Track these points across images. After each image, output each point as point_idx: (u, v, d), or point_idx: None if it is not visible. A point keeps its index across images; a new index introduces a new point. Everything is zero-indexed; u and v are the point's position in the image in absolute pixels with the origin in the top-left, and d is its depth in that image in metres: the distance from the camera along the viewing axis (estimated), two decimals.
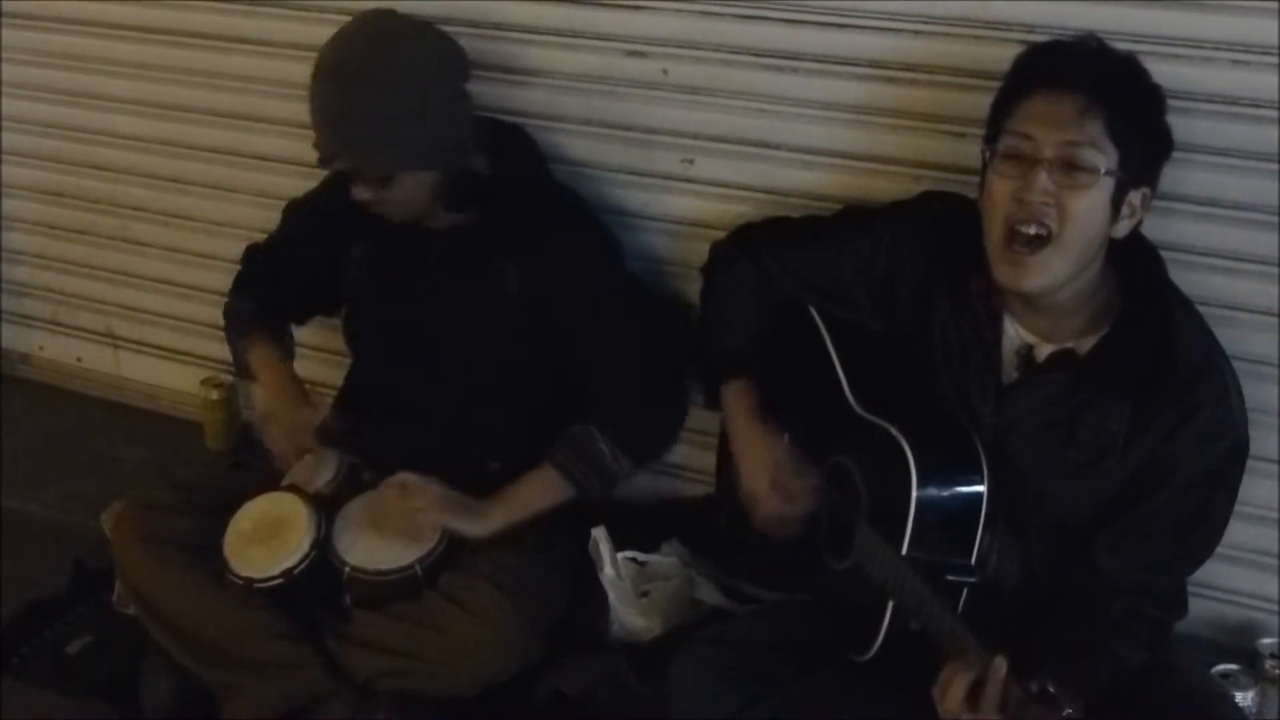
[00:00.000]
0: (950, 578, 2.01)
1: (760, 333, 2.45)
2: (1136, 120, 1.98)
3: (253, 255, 2.84)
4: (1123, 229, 2.01)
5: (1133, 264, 2.07)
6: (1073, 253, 1.97)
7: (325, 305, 2.83)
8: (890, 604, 2.07)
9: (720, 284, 2.49)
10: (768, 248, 2.43)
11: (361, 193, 2.46)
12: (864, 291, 2.31)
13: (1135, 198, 2.00)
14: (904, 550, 2.05)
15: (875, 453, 2.16)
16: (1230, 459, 2.07)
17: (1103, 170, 1.94)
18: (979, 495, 2.08)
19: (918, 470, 2.06)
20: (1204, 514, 2.08)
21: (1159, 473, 2.03)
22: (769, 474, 2.32)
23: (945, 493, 2.09)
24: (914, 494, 2.06)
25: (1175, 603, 2.14)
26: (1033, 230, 1.95)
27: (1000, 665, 1.82)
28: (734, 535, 2.55)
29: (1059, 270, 1.98)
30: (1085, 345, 2.07)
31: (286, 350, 2.77)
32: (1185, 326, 2.06)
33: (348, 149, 2.42)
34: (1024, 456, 2.11)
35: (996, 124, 2.04)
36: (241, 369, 2.76)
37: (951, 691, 1.87)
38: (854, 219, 2.39)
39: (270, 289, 2.77)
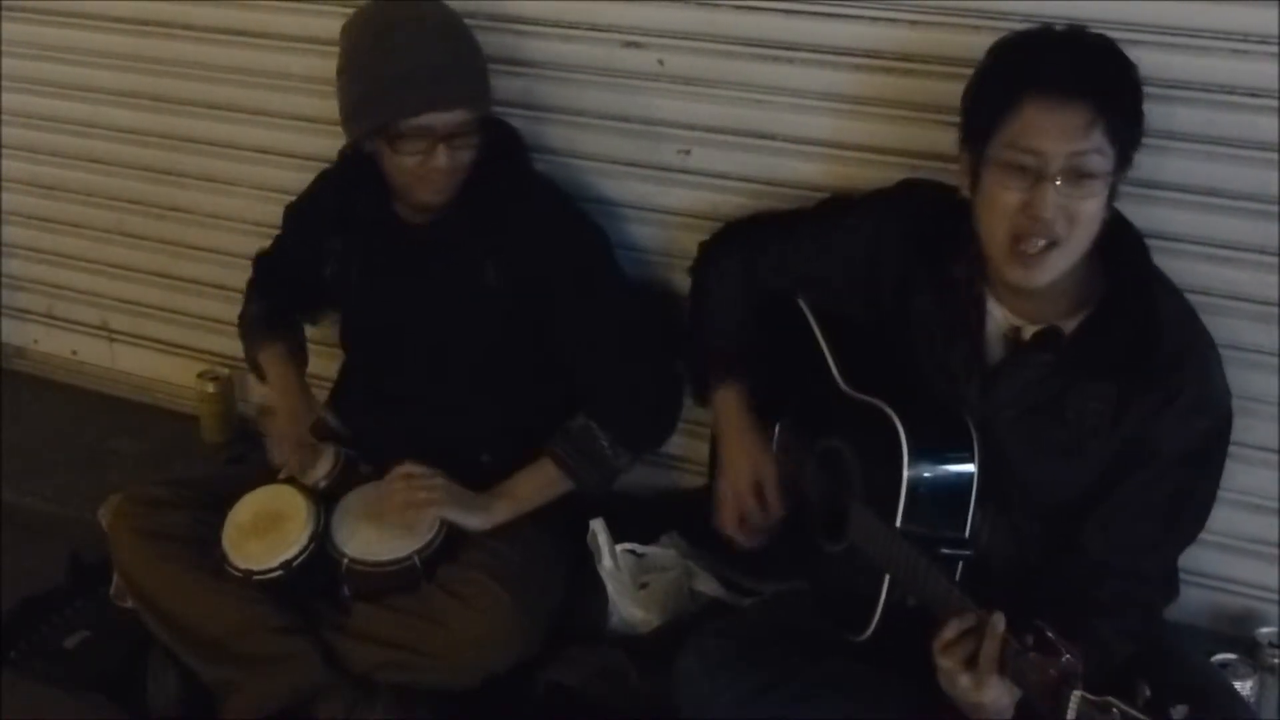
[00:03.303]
0: (945, 551, 2.03)
1: (749, 327, 2.48)
2: (1132, 119, 2.00)
3: (260, 260, 2.87)
4: (1108, 212, 2.02)
5: (1115, 245, 2.08)
6: (1078, 250, 1.99)
7: (327, 301, 2.83)
8: (886, 580, 2.09)
9: (708, 282, 2.51)
10: (752, 244, 2.46)
11: (440, 158, 2.42)
12: (846, 281, 2.33)
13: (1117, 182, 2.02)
14: (898, 523, 2.07)
15: (866, 431, 2.18)
16: (1214, 437, 2.08)
17: (1108, 173, 1.96)
18: (970, 469, 2.09)
19: (909, 444, 2.07)
20: (1189, 493, 2.08)
21: (1144, 452, 2.04)
22: (750, 489, 2.37)
23: (937, 467, 2.10)
24: (905, 468, 2.07)
25: (1164, 585, 2.14)
26: (1042, 244, 1.96)
27: (999, 621, 1.83)
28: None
29: (1065, 266, 2.00)
30: (1069, 326, 2.09)
31: (296, 352, 2.78)
32: (1167, 307, 2.07)
33: (463, 99, 2.43)
34: (1010, 439, 2.12)
35: (986, 124, 2.00)
36: (256, 371, 2.80)
37: (950, 648, 1.88)
38: (834, 210, 2.41)
39: (277, 290, 2.80)
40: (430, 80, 2.39)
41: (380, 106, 2.41)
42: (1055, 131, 1.93)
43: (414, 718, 2.45)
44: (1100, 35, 2.03)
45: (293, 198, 2.82)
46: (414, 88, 2.39)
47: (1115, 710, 1.65)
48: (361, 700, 2.44)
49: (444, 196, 2.49)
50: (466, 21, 2.55)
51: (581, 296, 2.56)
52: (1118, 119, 1.95)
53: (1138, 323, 2.04)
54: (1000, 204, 1.98)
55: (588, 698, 2.47)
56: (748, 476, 2.39)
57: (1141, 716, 1.63)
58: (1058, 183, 1.93)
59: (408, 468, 2.50)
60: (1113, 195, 2.00)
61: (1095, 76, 1.96)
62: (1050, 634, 1.77)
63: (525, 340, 2.59)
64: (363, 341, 2.76)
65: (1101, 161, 1.94)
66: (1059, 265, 1.99)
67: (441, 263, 2.57)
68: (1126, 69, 2.00)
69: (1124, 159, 1.99)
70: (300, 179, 2.81)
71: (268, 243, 2.88)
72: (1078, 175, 1.93)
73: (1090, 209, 1.96)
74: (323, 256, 2.68)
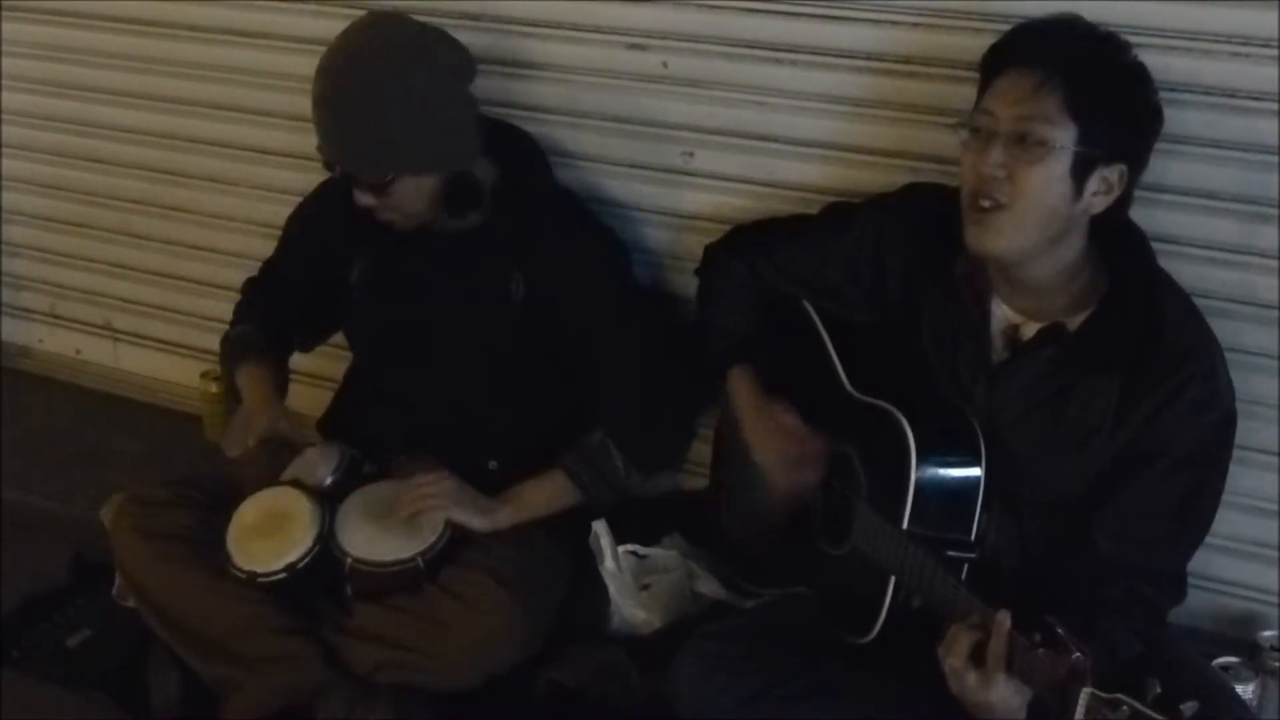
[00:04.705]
0: (951, 554, 2.03)
1: (756, 329, 2.49)
2: (1101, 95, 1.98)
3: (251, 282, 2.83)
4: (1097, 204, 2.02)
5: (1117, 245, 2.10)
6: (1029, 223, 2.00)
7: (329, 320, 2.79)
8: (891, 582, 2.09)
9: (715, 285, 2.53)
10: (758, 248, 2.47)
11: (362, 198, 2.45)
12: (852, 285, 2.35)
13: (1111, 174, 2.01)
14: (904, 526, 2.07)
15: (874, 435, 2.18)
16: (1219, 433, 2.09)
17: (1056, 144, 1.96)
18: (976, 471, 2.10)
19: (916, 446, 2.08)
20: (1197, 490, 2.09)
21: (1150, 449, 2.05)
22: (781, 443, 2.35)
23: (944, 469, 2.11)
24: (913, 470, 2.08)
25: (1173, 587, 2.14)
26: (987, 204, 1.99)
27: (1004, 619, 1.83)
28: (728, 533, 2.60)
29: (1017, 237, 2.01)
30: (1073, 324, 2.10)
31: (277, 376, 2.71)
32: (1171, 304, 2.08)
33: (347, 157, 2.43)
34: (1016, 436, 2.13)
35: (977, 102, 2.08)
36: (235, 393, 2.71)
37: (956, 647, 1.88)
38: (839, 214, 2.42)
39: (273, 310, 2.74)
40: (324, 132, 2.42)
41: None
42: (1007, 94, 1.99)
43: (414, 718, 2.44)
44: (1094, 25, 2.06)
45: (294, 197, 2.81)
46: (318, 132, 2.42)
47: (1125, 707, 1.65)
48: (362, 700, 2.44)
49: (400, 225, 2.50)
50: (469, 24, 2.55)
51: (606, 313, 2.56)
52: (1078, 91, 1.96)
53: (1141, 319, 2.05)
54: (963, 167, 2.04)
55: (588, 698, 2.47)
56: (779, 437, 2.36)
57: (1152, 713, 1.63)
58: (1003, 143, 1.97)
59: (419, 477, 2.50)
60: (1080, 181, 1.98)
61: (1057, 48, 2.00)
62: (1060, 630, 1.77)
63: (541, 351, 2.59)
64: (376, 344, 2.74)
65: (1049, 131, 1.96)
66: (1008, 233, 2.00)
67: (467, 271, 2.57)
68: (1105, 51, 2.03)
69: (1096, 140, 1.97)
70: (301, 179, 2.81)
71: (270, 243, 2.85)
72: (1021, 139, 1.97)
73: (1034, 177, 1.96)
74: (346, 268, 2.66)
